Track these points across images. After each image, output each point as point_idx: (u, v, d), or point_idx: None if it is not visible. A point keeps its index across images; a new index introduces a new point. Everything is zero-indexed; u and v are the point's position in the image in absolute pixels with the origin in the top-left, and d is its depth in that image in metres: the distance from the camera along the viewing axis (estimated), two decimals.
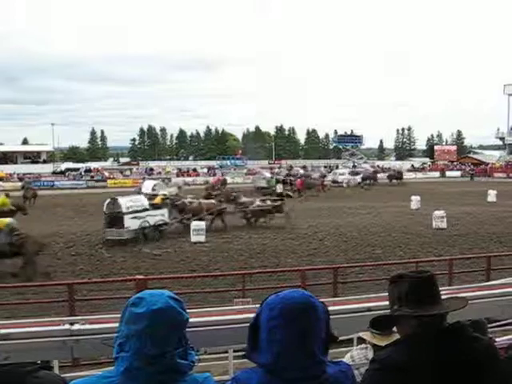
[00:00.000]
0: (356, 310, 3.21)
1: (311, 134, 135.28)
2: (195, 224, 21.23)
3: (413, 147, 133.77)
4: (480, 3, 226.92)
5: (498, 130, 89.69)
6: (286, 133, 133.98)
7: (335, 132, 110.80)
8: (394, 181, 57.54)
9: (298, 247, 19.69)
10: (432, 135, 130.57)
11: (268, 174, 52.35)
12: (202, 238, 20.79)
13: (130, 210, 21.63)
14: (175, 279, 13.63)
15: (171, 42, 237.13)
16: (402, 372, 2.04)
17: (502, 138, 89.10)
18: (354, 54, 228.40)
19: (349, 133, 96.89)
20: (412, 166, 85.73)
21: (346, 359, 3.64)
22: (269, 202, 26.17)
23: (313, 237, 21.80)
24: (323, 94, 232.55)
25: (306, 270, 12.65)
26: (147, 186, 31.06)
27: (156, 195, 24.86)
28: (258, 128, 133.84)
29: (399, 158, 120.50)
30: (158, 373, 1.78)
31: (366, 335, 3.49)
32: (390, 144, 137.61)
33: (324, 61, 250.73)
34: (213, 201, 26.12)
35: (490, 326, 4.25)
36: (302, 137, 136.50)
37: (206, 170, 73.41)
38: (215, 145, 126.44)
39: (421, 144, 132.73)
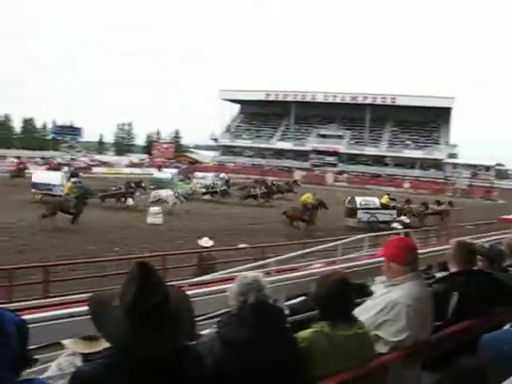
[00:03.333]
0: (59, 316, 3.01)
1: (28, 123, 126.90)
2: None
3: (132, 143, 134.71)
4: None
5: (213, 132, 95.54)
6: (0, 119, 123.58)
7: (53, 122, 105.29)
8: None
9: (4, 244, 17.99)
10: (152, 132, 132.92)
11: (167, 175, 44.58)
12: None
13: (363, 206, 28.14)
14: None
15: None
16: None
17: (215, 140, 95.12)
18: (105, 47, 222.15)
19: (68, 124, 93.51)
20: (130, 161, 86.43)
21: (54, 366, 3.41)
22: None
23: (24, 232, 20.32)
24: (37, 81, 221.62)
25: (14, 268, 11.77)
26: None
27: None
28: None
29: (118, 153, 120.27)
30: None
31: (68, 342, 3.29)
32: (110, 138, 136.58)
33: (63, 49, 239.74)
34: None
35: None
36: (18, 125, 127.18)
37: None
38: None
39: (140, 140, 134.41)
